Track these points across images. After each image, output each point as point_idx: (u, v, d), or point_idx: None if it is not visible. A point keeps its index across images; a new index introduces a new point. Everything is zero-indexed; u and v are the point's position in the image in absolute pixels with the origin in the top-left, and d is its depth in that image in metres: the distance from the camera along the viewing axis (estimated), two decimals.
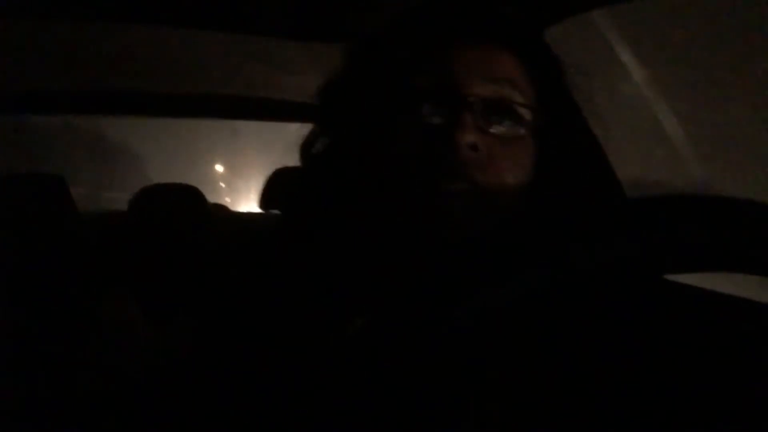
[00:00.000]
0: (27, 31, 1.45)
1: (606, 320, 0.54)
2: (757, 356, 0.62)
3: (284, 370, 0.50)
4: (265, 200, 2.14)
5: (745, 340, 0.66)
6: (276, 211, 2.12)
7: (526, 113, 0.55)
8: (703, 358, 0.61)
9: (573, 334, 0.54)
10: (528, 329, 0.55)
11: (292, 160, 0.64)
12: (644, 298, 0.58)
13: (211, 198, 2.26)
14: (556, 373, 0.54)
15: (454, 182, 0.51)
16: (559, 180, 0.57)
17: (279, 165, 2.12)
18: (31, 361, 1.34)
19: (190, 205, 2.09)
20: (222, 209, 2.49)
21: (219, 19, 1.42)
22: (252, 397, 0.52)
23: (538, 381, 0.55)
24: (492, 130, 0.53)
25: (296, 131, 0.63)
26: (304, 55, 1.62)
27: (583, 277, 0.25)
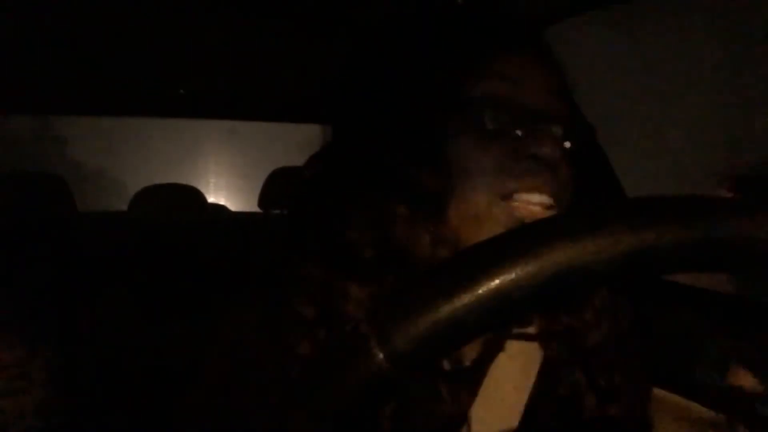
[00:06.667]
0: (27, 31, 1.45)
1: (604, 320, 0.54)
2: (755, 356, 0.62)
3: (285, 368, 0.50)
4: (265, 200, 2.14)
5: (744, 339, 0.66)
6: (276, 212, 2.12)
7: (573, 126, 0.53)
8: (700, 357, 0.61)
9: (570, 334, 0.54)
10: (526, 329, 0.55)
11: (292, 160, 0.63)
12: (642, 299, 0.58)
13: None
14: (554, 372, 0.54)
15: (530, 193, 0.50)
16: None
17: (278, 165, 2.12)
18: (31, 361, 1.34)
19: (190, 205, 2.09)
20: (221, 209, 2.49)
21: (219, 19, 1.42)
22: (253, 395, 0.52)
23: (537, 379, 0.55)
24: (564, 144, 0.52)
25: (296, 131, 0.62)
26: (304, 54, 1.62)
27: (582, 276, 0.25)
